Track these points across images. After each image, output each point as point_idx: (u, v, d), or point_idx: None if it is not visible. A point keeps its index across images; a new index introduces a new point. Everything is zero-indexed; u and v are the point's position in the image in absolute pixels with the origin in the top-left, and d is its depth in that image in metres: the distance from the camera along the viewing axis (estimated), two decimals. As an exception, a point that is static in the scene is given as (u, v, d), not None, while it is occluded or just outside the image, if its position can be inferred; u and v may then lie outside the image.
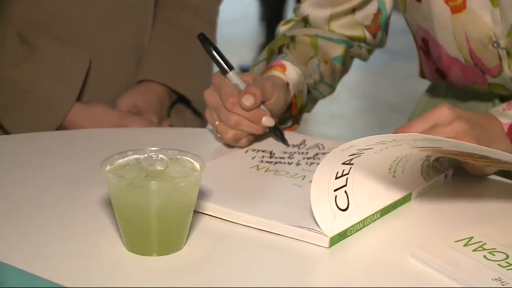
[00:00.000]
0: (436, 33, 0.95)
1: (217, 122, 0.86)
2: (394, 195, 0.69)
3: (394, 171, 0.69)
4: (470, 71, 0.96)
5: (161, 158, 0.60)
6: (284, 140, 0.87)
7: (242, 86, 0.83)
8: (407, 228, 0.67)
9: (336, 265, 0.60)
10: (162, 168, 0.59)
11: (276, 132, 0.87)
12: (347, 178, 0.62)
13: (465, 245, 0.57)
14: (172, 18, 1.31)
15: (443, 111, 0.79)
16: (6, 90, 1.14)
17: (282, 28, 1.10)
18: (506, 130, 0.85)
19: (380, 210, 0.66)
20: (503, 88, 0.95)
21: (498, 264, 0.54)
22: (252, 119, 0.84)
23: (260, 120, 0.85)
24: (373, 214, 0.65)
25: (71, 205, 0.68)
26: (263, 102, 0.84)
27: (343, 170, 0.61)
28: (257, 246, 0.61)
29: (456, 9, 0.94)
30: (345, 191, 0.63)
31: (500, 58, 0.91)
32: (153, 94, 1.23)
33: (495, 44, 0.90)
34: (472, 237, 0.58)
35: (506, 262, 0.55)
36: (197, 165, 0.60)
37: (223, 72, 0.85)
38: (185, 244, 0.59)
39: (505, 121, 0.85)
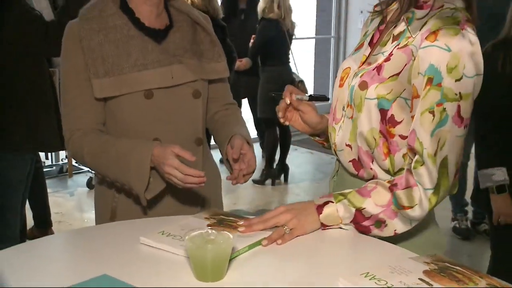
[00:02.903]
0: None
1: None
2: None
3: None
4: None
5: (213, 232, 1.14)
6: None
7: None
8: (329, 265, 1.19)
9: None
10: (213, 238, 1.12)
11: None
12: None
13: (365, 276, 1.09)
14: (226, 110, 1.79)
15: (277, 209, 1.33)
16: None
17: None
18: (315, 208, 1.31)
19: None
20: None
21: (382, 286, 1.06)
22: None
23: None
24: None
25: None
26: None
27: None
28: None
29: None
30: None
31: None
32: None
33: None
34: (368, 272, 1.10)
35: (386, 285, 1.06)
36: (230, 236, 1.13)
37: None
38: (225, 274, 1.11)
39: (316, 202, 1.32)
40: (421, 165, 1.24)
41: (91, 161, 1.58)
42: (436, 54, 1.20)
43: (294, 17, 5.00)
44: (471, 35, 1.22)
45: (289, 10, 4.87)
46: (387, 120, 1.29)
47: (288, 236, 1.28)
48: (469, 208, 4.00)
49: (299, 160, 5.66)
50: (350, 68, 1.40)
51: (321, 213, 1.30)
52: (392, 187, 1.27)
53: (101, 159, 1.56)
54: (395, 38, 1.31)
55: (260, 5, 4.79)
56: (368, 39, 1.41)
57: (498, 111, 2.15)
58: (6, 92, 2.57)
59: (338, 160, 1.46)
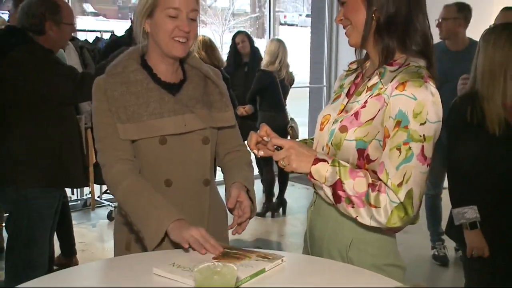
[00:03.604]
0: None
1: None
2: None
3: None
4: None
5: (219, 264, 1.14)
6: None
7: None
8: None
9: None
10: (219, 270, 1.12)
11: None
12: None
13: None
14: (232, 154, 1.80)
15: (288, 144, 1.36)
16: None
17: None
18: (313, 158, 1.34)
19: None
20: None
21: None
22: None
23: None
24: None
25: None
26: None
27: None
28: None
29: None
30: None
31: None
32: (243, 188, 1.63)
33: None
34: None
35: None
36: (234, 268, 1.13)
37: None
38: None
39: (318, 155, 1.34)
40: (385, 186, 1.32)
41: (121, 198, 1.57)
42: (404, 102, 1.28)
43: (293, 69, 5.09)
44: (432, 87, 1.30)
45: (286, 65, 4.95)
46: (364, 157, 1.36)
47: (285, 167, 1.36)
48: (446, 237, 3.98)
49: (296, 194, 5.64)
50: (330, 115, 1.47)
51: (314, 165, 1.34)
52: (370, 185, 1.32)
53: (130, 202, 1.55)
54: (369, 89, 1.39)
55: (265, 60, 4.86)
56: (345, 91, 1.50)
57: (467, 156, 2.16)
58: (38, 137, 2.60)
59: (316, 193, 1.51)
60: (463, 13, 3.64)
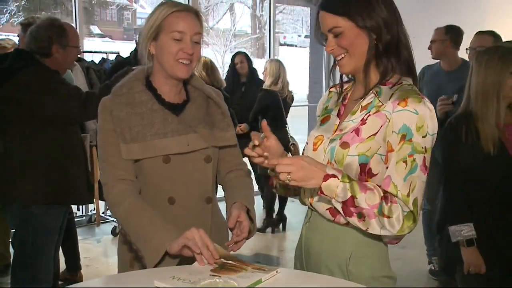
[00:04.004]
0: None
1: None
2: None
3: None
4: None
5: (220, 281, 1.14)
6: None
7: None
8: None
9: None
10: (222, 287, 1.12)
11: None
12: None
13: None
14: (233, 172, 1.79)
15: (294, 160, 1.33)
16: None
17: None
18: (324, 174, 1.33)
19: None
20: None
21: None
22: None
23: None
24: None
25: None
26: None
27: None
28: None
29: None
30: None
31: None
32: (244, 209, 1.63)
33: None
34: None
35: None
36: (235, 284, 1.13)
37: None
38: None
39: (327, 171, 1.33)
40: (395, 198, 1.35)
41: (122, 218, 1.57)
42: (408, 116, 1.34)
43: (292, 88, 5.11)
44: (428, 103, 1.37)
45: (287, 83, 4.98)
46: (365, 172, 1.39)
47: (290, 183, 1.33)
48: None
49: (296, 210, 5.62)
50: (323, 136, 1.50)
51: (325, 181, 1.33)
52: (383, 198, 1.34)
53: (131, 222, 1.55)
54: (364, 108, 1.43)
55: (268, 81, 4.88)
56: (334, 112, 1.54)
57: (463, 175, 2.16)
58: (44, 155, 2.60)
59: (311, 209, 1.53)
60: (450, 34, 3.73)
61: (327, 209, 1.45)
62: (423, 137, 1.34)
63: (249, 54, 5.60)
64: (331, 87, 1.63)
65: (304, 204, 1.58)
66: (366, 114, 1.41)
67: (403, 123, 1.34)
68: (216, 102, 1.74)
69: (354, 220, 1.35)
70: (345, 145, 1.39)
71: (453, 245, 2.19)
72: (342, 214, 1.36)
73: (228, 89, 5.19)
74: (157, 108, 1.63)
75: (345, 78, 1.57)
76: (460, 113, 2.22)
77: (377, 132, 1.37)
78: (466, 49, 3.44)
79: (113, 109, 1.61)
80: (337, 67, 1.50)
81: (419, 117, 1.33)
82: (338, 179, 1.33)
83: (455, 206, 2.20)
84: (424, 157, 1.35)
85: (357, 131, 1.40)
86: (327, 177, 1.33)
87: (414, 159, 1.34)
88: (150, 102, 1.64)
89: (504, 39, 3.21)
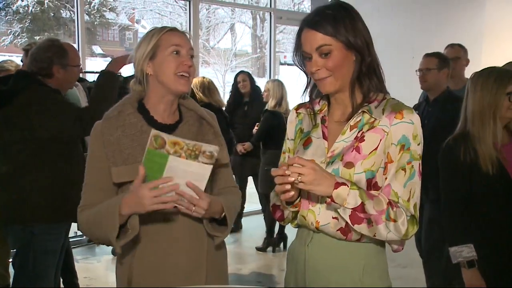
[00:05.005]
0: None
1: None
2: None
3: None
4: None
5: None
6: None
7: None
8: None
9: None
10: None
11: None
12: None
13: None
14: (225, 190, 1.77)
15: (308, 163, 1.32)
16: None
17: None
18: (335, 182, 1.34)
19: None
20: None
21: None
22: None
23: None
24: None
25: None
26: None
27: None
28: None
29: None
30: None
31: None
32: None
33: None
34: None
35: None
36: None
37: None
38: None
39: (337, 179, 1.35)
40: (397, 204, 1.41)
41: (87, 229, 1.64)
42: (405, 127, 1.41)
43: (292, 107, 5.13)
44: (416, 113, 1.44)
45: (287, 102, 5.01)
46: (371, 186, 1.42)
47: (299, 185, 1.32)
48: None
49: (296, 230, 5.60)
50: (314, 160, 1.43)
51: (336, 189, 1.35)
52: (389, 204, 1.39)
53: (91, 224, 1.61)
54: (353, 126, 1.45)
55: (272, 102, 4.88)
56: (317, 135, 1.52)
57: (461, 195, 2.16)
58: (46, 173, 2.61)
59: (314, 230, 1.50)
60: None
61: (337, 230, 1.45)
62: (418, 144, 1.42)
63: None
64: (297, 108, 1.63)
65: (297, 227, 1.59)
66: (358, 132, 1.44)
67: (402, 134, 1.40)
68: (209, 122, 1.75)
69: (362, 227, 1.37)
70: (349, 165, 1.41)
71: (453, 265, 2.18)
72: (350, 222, 1.37)
73: (230, 108, 5.23)
74: (146, 130, 1.63)
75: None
76: (458, 134, 2.23)
77: (377, 146, 1.41)
78: (416, 70, 3.45)
79: (104, 133, 1.64)
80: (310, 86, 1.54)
81: (414, 127, 1.41)
82: (348, 186, 1.35)
83: (455, 227, 2.19)
84: (419, 163, 1.42)
85: (357, 149, 1.41)
86: (337, 185, 1.35)
87: (412, 166, 1.41)
88: (139, 124, 1.66)
89: (503, 51, 3.24)
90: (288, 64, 23.90)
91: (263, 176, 4.90)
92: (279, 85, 4.94)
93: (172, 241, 1.60)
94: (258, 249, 4.97)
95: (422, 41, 5.48)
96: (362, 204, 1.35)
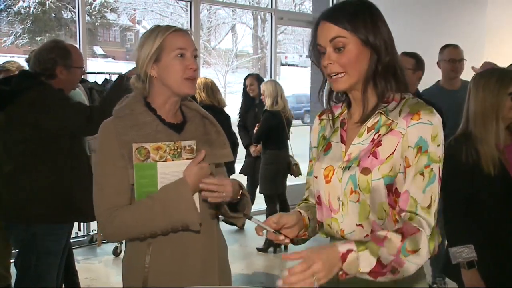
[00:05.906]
0: None
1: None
2: None
3: None
4: None
5: None
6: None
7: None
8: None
9: None
10: None
11: None
12: None
13: None
14: None
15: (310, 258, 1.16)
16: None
17: None
18: (340, 256, 1.18)
19: None
20: None
21: None
22: None
23: None
24: None
25: None
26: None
27: None
28: None
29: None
30: None
31: None
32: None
33: None
34: None
35: None
36: None
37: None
38: None
39: (340, 250, 1.18)
40: (415, 216, 1.28)
41: (137, 227, 1.59)
42: (423, 128, 1.31)
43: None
44: (437, 113, 1.34)
45: (286, 102, 5.01)
46: (393, 192, 1.33)
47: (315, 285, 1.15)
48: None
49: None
50: (332, 166, 1.41)
51: (344, 261, 1.19)
52: (401, 237, 1.24)
53: (147, 220, 1.58)
54: (371, 128, 1.38)
55: (268, 102, 4.87)
56: (336, 139, 1.46)
57: (463, 196, 2.16)
58: (49, 174, 2.61)
59: (341, 239, 1.39)
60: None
61: (367, 274, 1.25)
62: (438, 146, 1.31)
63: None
64: (320, 115, 1.58)
65: (327, 237, 1.49)
66: (375, 134, 1.37)
67: (418, 136, 1.30)
68: (211, 121, 1.78)
69: (387, 277, 1.23)
70: (366, 171, 1.33)
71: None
72: (372, 279, 1.22)
73: (242, 111, 5.28)
74: (161, 129, 1.65)
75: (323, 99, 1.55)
76: (459, 135, 2.22)
77: (394, 150, 1.33)
78: None
79: (119, 133, 1.61)
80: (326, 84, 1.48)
81: (434, 127, 1.31)
82: (354, 251, 1.20)
83: (455, 227, 2.18)
84: (439, 166, 1.31)
85: (374, 154, 1.34)
86: (344, 256, 1.19)
87: (432, 169, 1.30)
88: (154, 123, 1.66)
89: (505, 53, 3.23)
90: (289, 65, 23.96)
91: (264, 177, 4.91)
92: (273, 83, 4.95)
93: (182, 237, 1.62)
94: (259, 249, 4.97)
95: (423, 42, 5.48)
96: (379, 261, 1.20)
